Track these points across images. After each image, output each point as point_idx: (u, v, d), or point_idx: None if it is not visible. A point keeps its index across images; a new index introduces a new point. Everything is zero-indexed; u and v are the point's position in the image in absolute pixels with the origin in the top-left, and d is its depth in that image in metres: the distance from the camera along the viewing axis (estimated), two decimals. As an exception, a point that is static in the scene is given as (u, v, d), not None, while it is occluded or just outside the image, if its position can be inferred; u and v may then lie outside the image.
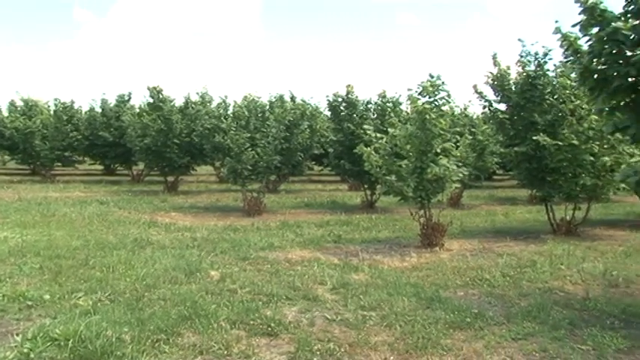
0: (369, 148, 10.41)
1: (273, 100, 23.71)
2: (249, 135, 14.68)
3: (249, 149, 14.38)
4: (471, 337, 5.41)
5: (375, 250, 9.93)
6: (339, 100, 16.61)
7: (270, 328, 5.46)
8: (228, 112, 17.78)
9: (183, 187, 21.00)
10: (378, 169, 10.27)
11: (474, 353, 5.00)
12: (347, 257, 9.13)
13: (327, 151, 18.83)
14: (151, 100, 19.47)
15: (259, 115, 16.04)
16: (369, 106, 16.49)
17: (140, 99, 22.15)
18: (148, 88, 19.25)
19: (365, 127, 11.80)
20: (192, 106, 19.51)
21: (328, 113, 17.86)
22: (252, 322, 5.60)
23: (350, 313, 6.04)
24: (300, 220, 13.40)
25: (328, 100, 16.73)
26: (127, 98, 25.60)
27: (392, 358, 4.91)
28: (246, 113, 15.49)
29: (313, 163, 25.44)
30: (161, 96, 19.29)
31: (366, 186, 16.45)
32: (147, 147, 18.89)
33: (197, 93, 21.06)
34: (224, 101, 19.05)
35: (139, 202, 16.15)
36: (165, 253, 8.79)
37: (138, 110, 21.48)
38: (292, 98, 22.89)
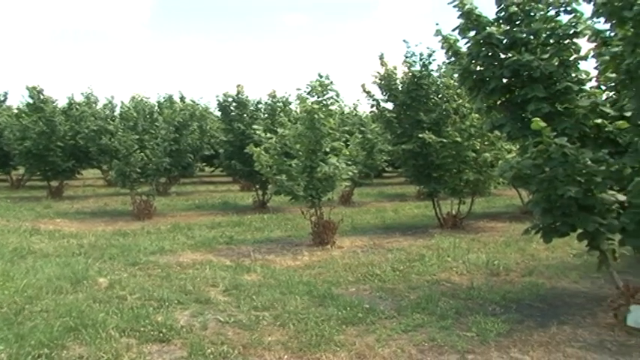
0: (259, 148, 10.40)
1: (162, 100, 23.07)
2: (137, 137, 14.31)
3: (138, 151, 14.00)
4: (363, 332, 5.53)
5: (267, 249, 9.94)
6: (230, 100, 16.44)
7: (161, 334, 5.34)
8: (115, 114, 17.14)
9: (69, 192, 20.02)
10: (268, 169, 10.29)
11: (366, 347, 5.12)
12: (239, 258, 9.08)
13: (218, 151, 18.64)
14: (31, 101, 18.48)
15: (148, 116, 15.64)
16: (260, 106, 16.46)
17: (18, 99, 20.93)
18: (27, 88, 18.31)
19: (255, 126, 11.80)
20: (77, 107, 18.65)
21: (218, 113, 17.70)
22: (142, 329, 5.44)
23: (243, 315, 6.02)
24: (192, 222, 13.19)
25: (218, 100, 16.53)
26: (2, 99, 24.13)
27: (286, 357, 4.94)
28: (134, 114, 15.06)
29: (204, 164, 25.06)
30: (42, 96, 18.38)
31: (257, 186, 16.39)
32: (27, 150, 17.80)
33: (82, 94, 20.13)
34: (110, 102, 18.31)
35: (20, 210, 15.24)
36: (48, 262, 8.36)
37: (16, 111, 20.25)
38: (182, 99, 22.41)
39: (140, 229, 11.95)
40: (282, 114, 14.85)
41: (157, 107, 18.09)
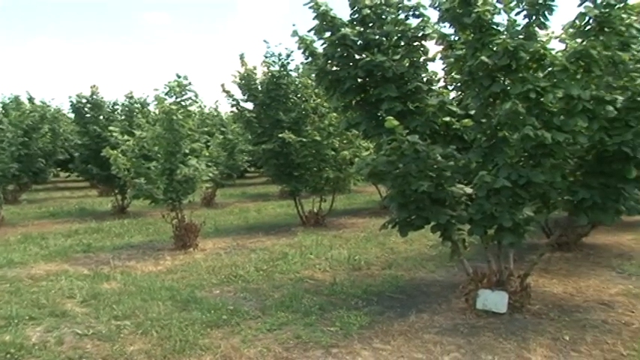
0: (115, 151, 9.99)
1: (8, 101, 21.51)
2: (-22, 141, 13.22)
3: (-21, 157, 12.94)
4: (228, 334, 5.48)
5: (128, 256, 9.58)
6: (84, 101, 15.64)
7: (9, 355, 4.96)
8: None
9: None
10: (126, 172, 9.91)
11: (231, 349, 5.08)
12: (98, 266, 8.67)
13: (73, 155, 17.67)
14: None
15: (-10, 118, 14.50)
16: (116, 107, 15.85)
17: None
18: None
19: (111, 128, 11.35)
20: None
21: (72, 115, 16.77)
22: (-13, 352, 5.02)
23: (102, 325, 5.74)
24: (45, 231, 12.39)
25: (71, 101, 15.63)
26: None
27: (149, 365, 4.80)
28: (-27, 117, 13.91)
29: (58, 169, 23.67)
30: None
31: (116, 190, 15.70)
32: None
33: None
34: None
35: None
36: None
37: None
38: (30, 100, 21.01)
39: (-17, 241, 11.04)
40: (139, 115, 14.39)
41: (1, 109, 16.86)
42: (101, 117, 15.60)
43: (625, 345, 5.10)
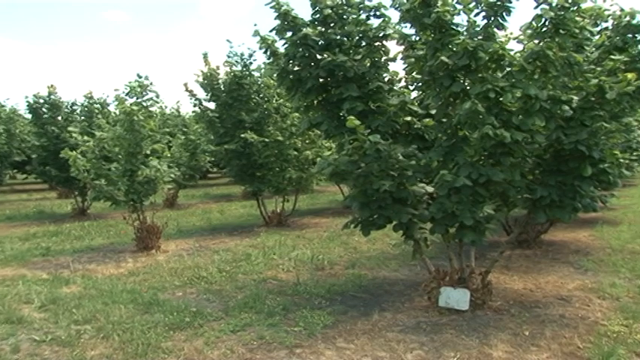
0: (75, 152, 9.80)
1: (-41, 103, 20.98)
2: None
3: None
4: (191, 336, 5.44)
5: (88, 259, 9.42)
6: (41, 101, 15.32)
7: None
8: None
9: None
10: (86, 174, 9.71)
11: (195, 351, 5.04)
12: (57, 270, 8.50)
13: (31, 157, 17.29)
14: None
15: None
16: (75, 107, 15.54)
17: None
18: None
19: (70, 129, 11.14)
20: None
21: (29, 116, 16.40)
22: None
23: (62, 330, 5.62)
24: (1, 235, 12.08)
25: (28, 102, 15.30)
26: None
27: (110, 370, 4.73)
28: None
29: (15, 171, 23.16)
30: None
31: (76, 192, 15.43)
32: None
33: None
34: None
35: None
36: None
37: None
38: (-16, 101, 20.55)
39: None
40: (100, 116, 14.15)
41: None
42: (59, 117, 15.30)
43: (582, 338, 5.22)
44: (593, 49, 6.33)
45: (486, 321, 5.74)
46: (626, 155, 8.03)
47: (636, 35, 6.23)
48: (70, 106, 15.56)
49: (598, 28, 6.66)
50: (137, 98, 9.76)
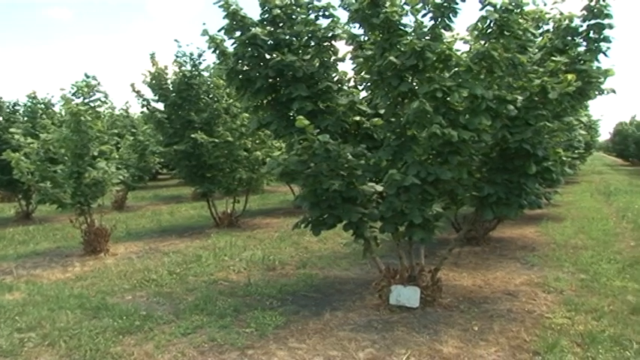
0: (17, 154, 9.52)
1: None
2: None
3: None
4: (141, 340, 5.34)
5: (33, 264, 9.17)
6: (-21, 102, 14.84)
7: None
8: None
9: None
10: (30, 176, 9.47)
11: (145, 356, 4.96)
12: None
13: (-31, 160, 16.71)
14: None
15: None
16: (17, 108, 15.09)
17: None
18: None
19: (12, 130, 10.80)
20: None
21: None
22: None
23: (3, 339, 5.43)
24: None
25: (-34, 103, 14.82)
26: None
27: (56, 377, 4.60)
28: None
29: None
30: None
31: (20, 195, 15.04)
32: None
33: None
34: None
35: None
36: None
37: None
38: None
39: None
40: (44, 116, 13.79)
41: None
42: (0, 118, 14.82)
43: (528, 332, 5.35)
44: (536, 50, 6.49)
45: (436, 318, 5.82)
46: (569, 153, 8.26)
47: (574, 38, 6.42)
48: (12, 107, 15.10)
49: (540, 31, 6.82)
50: (84, 98, 9.55)
